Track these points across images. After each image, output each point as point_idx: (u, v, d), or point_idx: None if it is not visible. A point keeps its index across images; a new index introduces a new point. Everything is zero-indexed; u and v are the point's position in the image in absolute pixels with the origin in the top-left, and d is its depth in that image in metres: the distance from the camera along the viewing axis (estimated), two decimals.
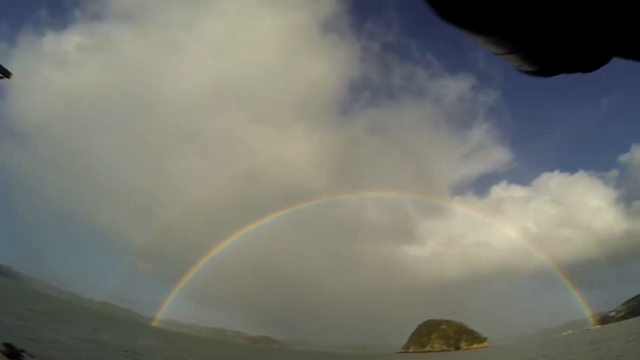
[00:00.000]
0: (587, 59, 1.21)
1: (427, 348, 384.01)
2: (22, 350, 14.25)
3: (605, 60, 1.21)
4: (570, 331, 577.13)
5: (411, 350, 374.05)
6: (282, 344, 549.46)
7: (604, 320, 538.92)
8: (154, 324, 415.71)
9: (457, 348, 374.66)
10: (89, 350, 27.65)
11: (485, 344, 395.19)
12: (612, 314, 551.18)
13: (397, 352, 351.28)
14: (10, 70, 20.51)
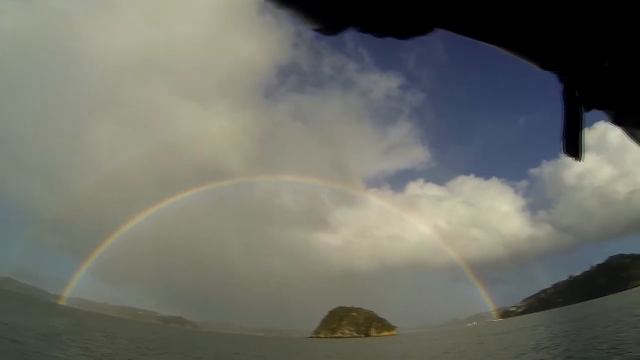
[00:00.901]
0: (395, 23, 1.06)
1: (338, 334, 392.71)
2: None
3: (424, 29, 1.08)
4: (474, 323, 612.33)
5: (322, 335, 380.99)
6: (195, 325, 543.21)
7: (505, 314, 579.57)
8: (61, 302, 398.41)
9: (367, 335, 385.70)
10: None
11: (393, 332, 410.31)
12: (513, 309, 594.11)
13: (309, 337, 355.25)
14: None
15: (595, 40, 1.15)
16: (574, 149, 1.37)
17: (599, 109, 1.28)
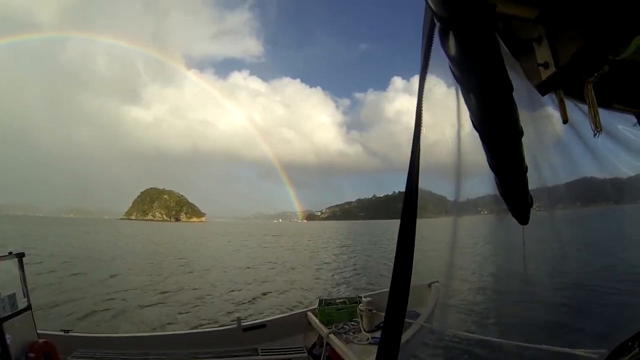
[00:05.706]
0: None
1: (149, 216, 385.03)
2: None
3: None
4: (280, 220, 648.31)
5: (133, 217, 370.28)
6: None
7: (310, 217, 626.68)
8: None
9: (177, 219, 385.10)
10: None
11: (203, 218, 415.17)
12: (318, 213, 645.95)
13: (120, 219, 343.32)
14: None
15: None
16: None
17: None
